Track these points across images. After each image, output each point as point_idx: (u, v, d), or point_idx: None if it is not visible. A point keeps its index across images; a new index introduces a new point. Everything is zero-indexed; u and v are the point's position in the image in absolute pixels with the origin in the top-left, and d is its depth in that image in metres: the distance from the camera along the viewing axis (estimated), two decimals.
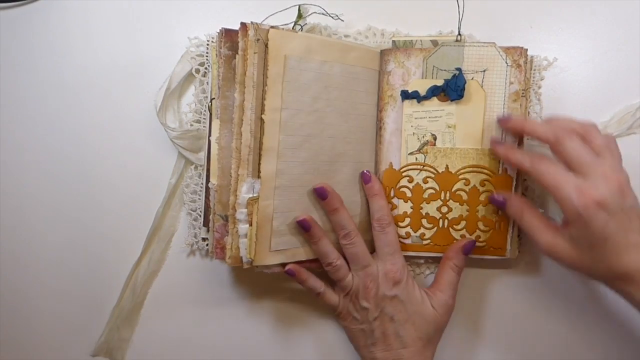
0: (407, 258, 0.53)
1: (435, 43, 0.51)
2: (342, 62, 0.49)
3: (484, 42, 0.50)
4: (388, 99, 0.52)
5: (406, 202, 0.52)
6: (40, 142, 0.56)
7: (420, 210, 0.52)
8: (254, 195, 0.46)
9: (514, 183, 0.50)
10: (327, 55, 0.48)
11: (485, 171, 0.51)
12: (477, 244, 0.51)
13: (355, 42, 0.54)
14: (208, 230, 0.52)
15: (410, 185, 0.52)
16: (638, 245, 0.41)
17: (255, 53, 0.46)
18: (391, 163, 0.52)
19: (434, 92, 0.51)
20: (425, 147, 0.51)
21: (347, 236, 0.49)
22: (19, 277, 0.56)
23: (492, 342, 0.56)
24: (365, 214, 0.52)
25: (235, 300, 0.56)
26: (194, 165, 0.54)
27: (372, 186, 0.51)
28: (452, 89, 0.50)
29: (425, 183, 0.52)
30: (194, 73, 0.53)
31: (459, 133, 0.51)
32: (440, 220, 0.52)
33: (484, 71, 0.50)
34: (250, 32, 0.46)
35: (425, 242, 0.52)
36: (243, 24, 0.46)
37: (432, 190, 0.52)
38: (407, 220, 0.52)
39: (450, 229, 0.52)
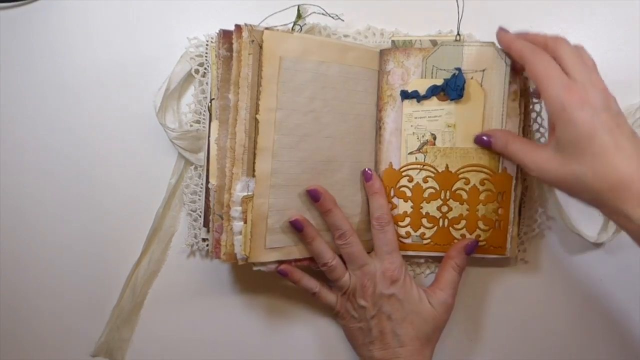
0: (407, 258, 0.53)
1: (434, 43, 0.51)
2: (340, 63, 0.49)
3: (484, 42, 0.50)
4: (387, 99, 0.52)
5: (406, 201, 0.52)
6: (40, 142, 0.56)
7: (420, 210, 0.52)
8: (249, 193, 0.47)
9: (514, 182, 0.50)
10: (325, 55, 0.49)
11: (485, 170, 0.51)
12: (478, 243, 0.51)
13: (355, 42, 0.54)
14: (208, 231, 0.52)
15: (410, 185, 0.52)
16: (630, 152, 0.40)
17: (249, 54, 0.46)
18: (391, 163, 0.52)
19: (433, 91, 0.51)
20: (425, 147, 0.51)
21: (342, 236, 0.49)
22: (19, 277, 0.56)
23: (492, 341, 0.55)
24: (365, 213, 0.52)
25: (235, 300, 0.56)
26: (193, 166, 0.54)
27: (372, 184, 0.51)
28: (452, 89, 0.50)
29: (425, 182, 0.52)
30: (193, 73, 0.53)
31: (458, 132, 0.51)
32: (441, 220, 0.52)
33: (484, 70, 0.50)
34: (245, 34, 0.46)
35: (425, 241, 0.52)
36: (237, 26, 0.46)
37: (432, 190, 0.52)
38: (407, 219, 0.52)
39: (451, 229, 0.52)
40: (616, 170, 0.39)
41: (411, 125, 0.51)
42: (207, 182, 0.51)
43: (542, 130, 0.53)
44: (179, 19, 0.56)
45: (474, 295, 0.55)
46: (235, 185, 0.47)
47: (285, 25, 0.51)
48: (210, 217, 0.50)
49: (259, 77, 0.47)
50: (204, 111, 0.54)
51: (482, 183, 0.51)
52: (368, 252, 0.51)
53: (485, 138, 0.49)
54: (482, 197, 0.51)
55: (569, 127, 0.41)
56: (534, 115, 0.53)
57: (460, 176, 0.51)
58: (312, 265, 0.51)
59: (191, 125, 0.54)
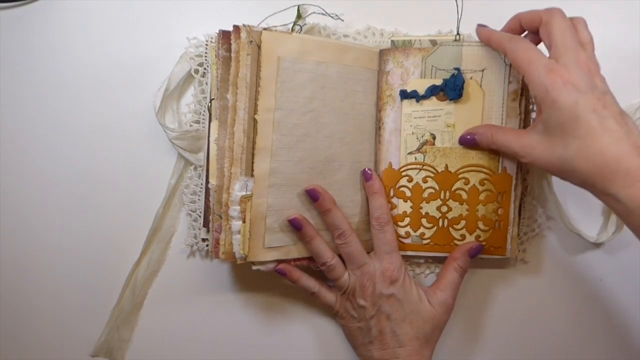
0: (406, 258, 0.53)
1: (434, 43, 0.51)
2: (339, 63, 0.49)
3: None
4: (387, 99, 0.52)
5: (406, 201, 0.52)
6: (40, 142, 0.56)
7: (420, 210, 0.52)
8: (247, 193, 0.47)
9: (514, 182, 0.50)
10: (324, 55, 0.49)
11: (485, 170, 0.51)
12: None
13: (354, 42, 0.54)
14: (208, 231, 0.52)
15: (410, 185, 0.52)
16: (617, 133, 0.38)
17: (248, 55, 0.46)
18: (390, 163, 0.52)
19: (432, 91, 0.51)
20: (425, 147, 0.51)
21: (341, 236, 0.49)
22: (19, 277, 0.56)
23: (492, 341, 0.55)
24: (365, 213, 0.52)
25: (234, 300, 0.56)
26: (193, 166, 0.54)
27: (372, 184, 0.51)
28: (451, 89, 0.50)
29: (424, 182, 0.52)
30: (193, 74, 0.53)
31: (458, 132, 0.51)
32: (440, 220, 0.52)
33: (483, 70, 0.50)
34: (243, 35, 0.46)
35: (425, 241, 0.52)
36: (235, 27, 0.47)
37: (431, 190, 0.52)
38: (407, 219, 0.52)
39: (450, 229, 0.52)
40: (602, 151, 0.38)
41: (410, 125, 0.51)
42: (207, 182, 0.51)
43: None
44: (179, 19, 0.56)
45: (473, 296, 0.55)
46: (234, 184, 0.47)
47: (285, 25, 0.51)
48: (210, 217, 0.50)
49: (257, 78, 0.47)
50: (204, 111, 0.54)
51: (481, 183, 0.51)
52: (367, 252, 0.51)
53: (469, 137, 0.49)
54: (481, 197, 0.51)
55: (553, 109, 0.40)
56: (534, 115, 0.53)
57: (460, 176, 0.51)
58: (312, 265, 0.51)
59: (191, 126, 0.54)
